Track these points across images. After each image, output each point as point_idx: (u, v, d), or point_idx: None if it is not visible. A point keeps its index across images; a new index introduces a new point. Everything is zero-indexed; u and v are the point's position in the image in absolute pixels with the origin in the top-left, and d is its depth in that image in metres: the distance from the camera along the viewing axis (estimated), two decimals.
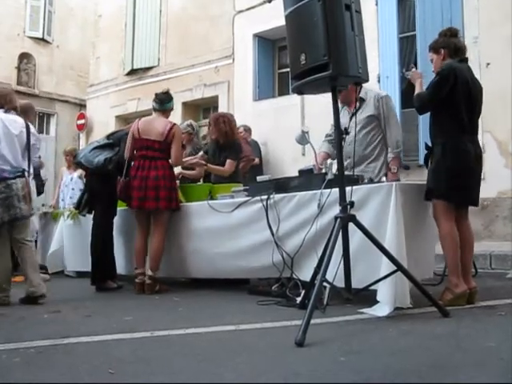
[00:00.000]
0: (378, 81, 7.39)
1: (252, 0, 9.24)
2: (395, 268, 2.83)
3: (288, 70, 3.76)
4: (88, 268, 4.78)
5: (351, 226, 2.88)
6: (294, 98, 7.95)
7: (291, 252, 3.63)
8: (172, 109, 4.70)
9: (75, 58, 14.14)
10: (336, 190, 3.03)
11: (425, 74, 3.51)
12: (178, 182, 5.12)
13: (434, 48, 3.40)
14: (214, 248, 4.16)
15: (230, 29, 9.66)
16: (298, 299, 3.30)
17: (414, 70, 3.62)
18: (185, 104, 10.31)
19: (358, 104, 4.05)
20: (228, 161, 4.84)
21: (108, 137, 4.85)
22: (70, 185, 6.89)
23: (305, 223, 3.55)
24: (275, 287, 3.78)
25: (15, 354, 2.37)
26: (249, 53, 9.41)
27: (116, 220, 4.76)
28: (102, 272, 4.59)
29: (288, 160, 8.14)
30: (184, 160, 4.85)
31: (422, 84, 3.39)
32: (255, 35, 9.38)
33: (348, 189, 3.03)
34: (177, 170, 5.31)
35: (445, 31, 3.41)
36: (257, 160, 7.58)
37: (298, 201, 3.66)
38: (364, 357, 2.18)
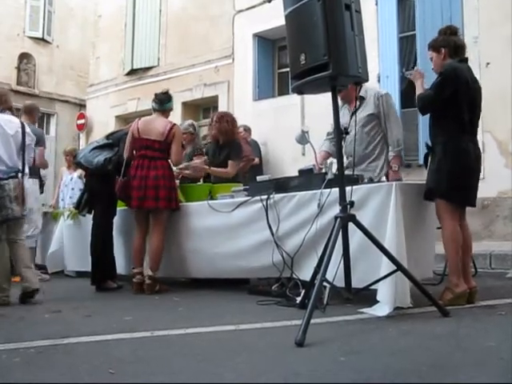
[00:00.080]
0: (378, 80, 7.39)
1: (252, 0, 9.25)
2: (395, 268, 2.83)
3: (288, 69, 3.77)
4: (88, 268, 4.78)
5: (351, 225, 2.88)
6: (294, 98, 7.95)
7: (291, 252, 3.63)
8: (172, 109, 4.70)
9: (75, 58, 14.15)
10: (336, 190, 3.03)
11: (426, 73, 3.51)
12: (177, 181, 5.12)
13: (434, 46, 3.39)
14: (213, 248, 4.16)
15: (230, 29, 9.66)
16: (298, 299, 3.30)
17: (416, 69, 3.61)
18: (185, 104, 10.31)
19: (358, 103, 4.05)
20: (230, 162, 4.84)
21: (107, 137, 4.85)
22: (69, 185, 6.89)
23: (305, 223, 3.55)
24: (275, 287, 3.77)
25: (15, 353, 2.36)
26: (249, 53, 9.41)
27: (116, 220, 4.76)
28: (102, 272, 4.59)
29: (288, 160, 8.14)
30: (185, 165, 4.86)
31: (423, 84, 3.39)
32: (255, 35, 9.38)
33: (348, 188, 3.03)
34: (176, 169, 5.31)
35: (444, 29, 3.40)
36: (257, 160, 7.57)
37: (298, 201, 3.66)
38: (364, 357, 2.18)
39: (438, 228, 3.44)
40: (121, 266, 4.82)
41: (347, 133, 3.07)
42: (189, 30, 10.32)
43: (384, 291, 2.97)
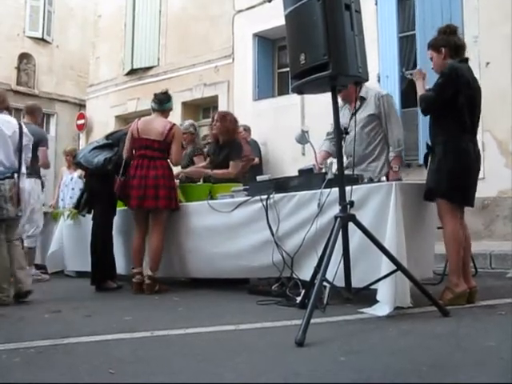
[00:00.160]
0: (378, 80, 7.39)
1: (252, 0, 9.24)
2: (395, 267, 2.82)
3: (288, 69, 3.77)
4: (88, 268, 4.77)
5: (351, 225, 2.88)
6: (294, 98, 7.95)
7: (291, 252, 3.63)
8: (171, 109, 4.70)
9: (75, 58, 14.15)
10: (336, 190, 3.02)
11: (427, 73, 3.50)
12: (177, 181, 5.13)
13: (434, 46, 3.38)
14: (213, 248, 4.16)
15: (230, 28, 9.66)
16: (298, 299, 3.30)
17: (417, 69, 3.61)
18: (184, 104, 10.31)
19: (358, 103, 4.05)
20: (231, 163, 4.84)
21: (107, 137, 4.85)
22: (69, 185, 6.89)
23: (305, 223, 3.55)
24: (275, 287, 3.77)
25: (15, 353, 2.36)
26: (248, 52, 9.41)
27: (115, 220, 4.76)
28: (102, 272, 4.59)
29: (288, 160, 8.14)
30: (187, 171, 4.87)
31: (424, 84, 3.38)
32: (255, 35, 9.38)
33: (348, 188, 3.03)
34: (177, 169, 5.32)
35: (444, 28, 3.40)
36: (256, 160, 7.57)
37: (298, 200, 3.66)
38: (364, 356, 2.18)
39: (439, 228, 3.45)
40: (120, 266, 4.82)
41: (347, 133, 3.07)
42: (189, 30, 10.32)
43: (384, 291, 2.97)
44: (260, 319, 2.96)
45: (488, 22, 6.64)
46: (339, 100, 3.37)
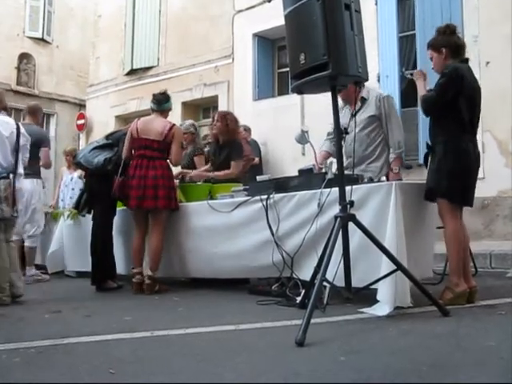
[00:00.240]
0: (378, 80, 7.39)
1: (251, 0, 9.24)
2: (395, 267, 2.82)
3: (287, 69, 3.77)
4: (88, 268, 4.78)
5: (351, 225, 2.88)
6: (294, 98, 7.95)
7: (291, 251, 3.63)
8: (170, 109, 4.70)
9: (75, 58, 14.15)
10: (336, 190, 3.02)
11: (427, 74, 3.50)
12: (177, 181, 5.13)
13: (435, 46, 3.37)
14: (213, 248, 4.16)
15: (230, 28, 9.67)
16: (298, 299, 3.30)
17: (418, 69, 3.61)
18: (184, 104, 10.31)
19: (359, 103, 4.06)
20: (232, 163, 4.84)
21: (107, 137, 4.84)
22: (70, 185, 6.89)
23: (305, 223, 3.55)
24: (275, 287, 3.77)
25: (15, 354, 2.36)
26: (248, 52, 9.41)
27: (115, 220, 4.75)
28: (102, 272, 4.59)
29: (288, 159, 8.15)
30: (192, 175, 4.88)
31: (425, 85, 3.37)
32: (255, 35, 9.38)
33: (348, 188, 3.03)
34: (177, 169, 5.32)
35: (444, 28, 3.39)
36: (256, 160, 7.57)
37: (298, 200, 3.66)
38: (364, 356, 2.18)
39: (438, 227, 3.45)
40: (120, 266, 4.82)
41: (347, 132, 3.07)
42: (189, 30, 10.32)
43: (384, 291, 2.97)
44: (260, 319, 2.96)
45: (488, 21, 6.64)
46: (340, 100, 3.37)
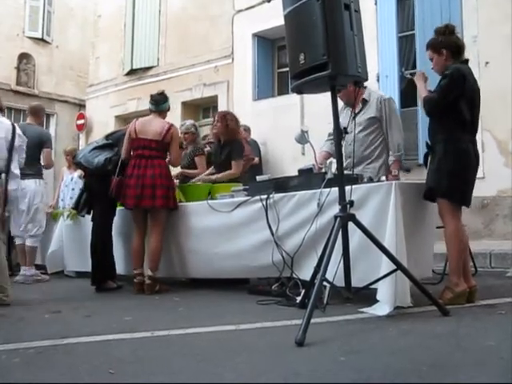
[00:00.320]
0: (378, 80, 7.39)
1: (251, 0, 9.24)
2: (395, 267, 2.82)
3: (287, 69, 3.77)
4: (88, 268, 4.77)
5: (351, 225, 2.88)
6: (294, 98, 7.95)
7: (291, 251, 3.63)
8: (168, 109, 4.69)
9: (75, 58, 14.14)
10: (336, 190, 3.02)
11: (427, 73, 3.50)
12: (177, 181, 5.13)
13: (435, 47, 3.36)
14: (213, 248, 4.16)
15: (230, 28, 9.67)
16: (298, 298, 3.30)
17: (419, 71, 3.60)
18: (184, 104, 10.32)
19: (360, 105, 4.07)
20: (233, 162, 4.85)
21: (107, 137, 4.84)
22: (70, 185, 6.88)
23: (304, 222, 3.55)
24: (275, 287, 3.77)
25: (15, 354, 2.36)
26: (248, 52, 9.42)
27: (115, 221, 4.75)
28: (102, 272, 4.59)
29: (287, 159, 8.15)
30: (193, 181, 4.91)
31: (426, 86, 3.37)
32: (254, 35, 9.38)
33: (347, 188, 3.03)
34: (177, 169, 5.32)
35: (443, 29, 3.38)
36: (256, 159, 7.57)
37: (298, 200, 3.66)
38: (364, 356, 2.18)
39: (438, 227, 3.45)
40: (120, 267, 4.81)
41: (346, 132, 3.07)
42: (188, 30, 10.32)
43: (384, 291, 2.97)
44: (260, 319, 2.96)
45: (487, 21, 6.64)
46: (340, 101, 3.37)
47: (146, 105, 4.69)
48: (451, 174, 3.19)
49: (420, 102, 5.14)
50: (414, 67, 7.14)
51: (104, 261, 4.59)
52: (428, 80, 3.41)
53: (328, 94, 2.97)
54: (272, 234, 3.74)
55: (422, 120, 6.50)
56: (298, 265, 3.62)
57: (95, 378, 2.00)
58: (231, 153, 4.88)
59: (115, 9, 11.84)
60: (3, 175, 3.95)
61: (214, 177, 4.90)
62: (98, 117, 12.10)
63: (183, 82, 10.25)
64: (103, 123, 11.55)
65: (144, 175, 4.28)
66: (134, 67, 11.22)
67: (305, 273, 3.49)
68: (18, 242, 5.50)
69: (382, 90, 6.21)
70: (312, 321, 2.45)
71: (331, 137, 4.30)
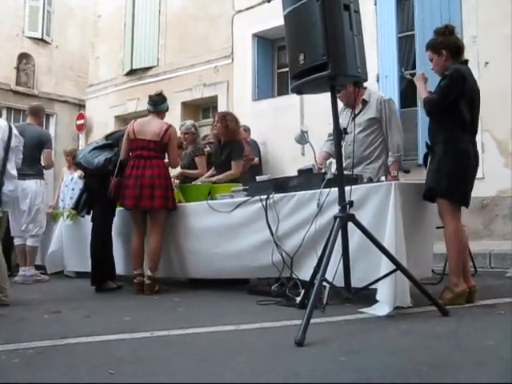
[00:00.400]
0: (377, 80, 7.40)
1: (251, 0, 9.25)
2: (395, 267, 2.82)
3: (287, 69, 3.77)
4: (87, 268, 4.77)
5: (350, 225, 2.88)
6: (293, 98, 7.95)
7: (291, 252, 3.63)
8: (167, 110, 4.69)
9: (74, 59, 14.14)
10: (335, 190, 3.02)
11: (426, 74, 3.50)
12: (177, 181, 5.13)
13: (435, 48, 3.35)
14: (213, 248, 4.16)
15: (230, 29, 9.67)
16: (298, 299, 3.30)
17: (420, 72, 3.61)
18: (184, 104, 10.32)
19: (360, 106, 4.08)
20: (233, 162, 4.86)
21: (106, 137, 4.84)
22: (70, 185, 6.88)
23: (304, 223, 3.55)
24: (275, 287, 3.78)
25: (14, 354, 2.36)
26: (248, 52, 9.42)
27: (115, 221, 4.74)
28: (101, 273, 4.59)
29: (287, 160, 8.15)
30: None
31: (426, 87, 3.37)
32: (254, 35, 9.39)
33: (347, 188, 3.03)
34: (177, 169, 5.33)
35: (443, 29, 3.38)
36: (256, 160, 7.58)
37: (298, 200, 3.66)
38: (364, 356, 2.18)
39: (438, 227, 3.45)
40: (120, 267, 4.81)
41: (346, 133, 3.07)
42: (188, 30, 10.32)
43: (384, 291, 2.97)
44: (260, 319, 2.96)
45: (487, 21, 6.65)
46: (339, 101, 3.37)
47: (145, 105, 4.69)
48: (451, 174, 3.19)
49: (420, 103, 5.14)
50: (414, 68, 7.15)
51: (104, 261, 4.59)
52: (428, 81, 3.41)
53: (328, 95, 2.97)
54: (272, 235, 3.74)
55: (422, 120, 6.51)
56: (298, 265, 3.62)
57: (95, 378, 2.00)
58: (231, 153, 4.88)
59: (115, 9, 11.84)
60: None
61: (214, 178, 4.91)
62: (98, 117, 12.10)
63: (183, 82, 10.25)
64: (103, 123, 11.55)
65: (142, 175, 4.28)
66: (134, 67, 11.22)
67: (304, 273, 3.49)
68: (18, 242, 5.50)
69: (381, 91, 6.22)
70: (312, 321, 2.45)
71: (331, 137, 4.30)
